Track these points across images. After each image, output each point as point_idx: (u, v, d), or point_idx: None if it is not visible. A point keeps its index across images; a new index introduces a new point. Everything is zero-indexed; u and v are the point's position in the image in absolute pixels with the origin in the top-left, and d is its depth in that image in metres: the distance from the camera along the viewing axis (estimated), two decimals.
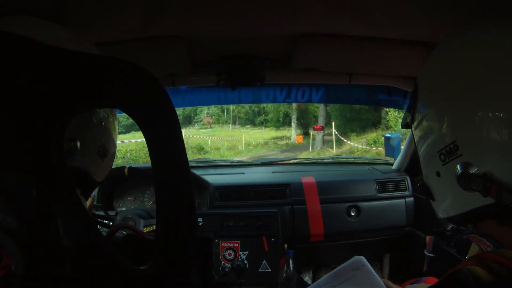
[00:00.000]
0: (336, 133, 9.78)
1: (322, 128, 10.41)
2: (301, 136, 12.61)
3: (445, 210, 0.49)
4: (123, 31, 0.78)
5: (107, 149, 0.55)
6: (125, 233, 0.90)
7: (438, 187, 0.49)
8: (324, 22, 0.79)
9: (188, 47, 0.89)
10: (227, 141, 11.75)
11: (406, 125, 0.57)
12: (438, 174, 0.47)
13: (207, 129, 14.46)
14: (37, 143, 0.33)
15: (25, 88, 0.33)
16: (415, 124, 0.53)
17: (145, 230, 1.01)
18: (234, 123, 15.66)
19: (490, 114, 0.40)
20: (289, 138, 13.37)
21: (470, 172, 0.41)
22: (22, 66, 0.33)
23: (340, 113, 11.76)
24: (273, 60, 1.02)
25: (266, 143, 12.55)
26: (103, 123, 0.54)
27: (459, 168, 0.42)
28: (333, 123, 10.18)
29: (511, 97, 0.39)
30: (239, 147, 11.36)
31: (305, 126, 14.32)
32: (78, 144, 0.47)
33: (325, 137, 10.91)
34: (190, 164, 1.66)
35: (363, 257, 0.86)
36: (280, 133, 14.35)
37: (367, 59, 0.98)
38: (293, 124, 14.03)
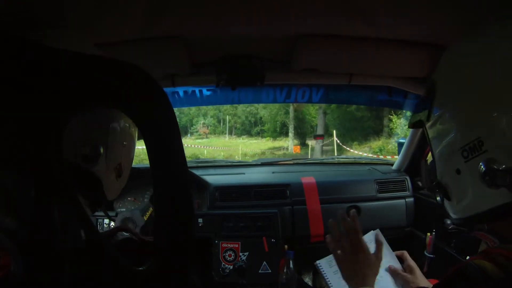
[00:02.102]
0: (338, 141, 9.31)
1: (323, 137, 10.05)
2: (299, 147, 12.40)
3: (462, 210, 0.48)
4: (123, 32, 0.78)
5: (122, 170, 0.56)
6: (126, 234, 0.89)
7: (457, 185, 0.48)
8: (325, 22, 0.79)
9: (188, 47, 0.89)
10: (223, 151, 11.66)
11: (415, 124, 0.56)
12: (458, 172, 0.46)
13: (203, 139, 14.39)
14: (36, 143, 0.33)
15: (24, 89, 0.33)
16: (430, 123, 0.52)
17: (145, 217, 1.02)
18: (230, 133, 15.56)
19: None
20: (286, 149, 13.11)
21: (496, 168, 0.40)
22: (21, 67, 0.33)
23: (340, 122, 11.52)
24: (273, 61, 1.01)
25: (263, 153, 12.39)
26: (125, 143, 0.55)
27: (483, 165, 0.41)
28: (334, 132, 9.57)
29: None
30: (236, 157, 11.09)
31: (302, 136, 14.09)
32: (102, 150, 0.47)
33: (324, 147, 10.70)
34: (190, 165, 1.66)
35: (373, 232, 0.93)
36: (277, 143, 14.14)
37: (367, 59, 0.98)
38: (290, 134, 13.79)
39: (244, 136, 15.39)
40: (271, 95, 1.27)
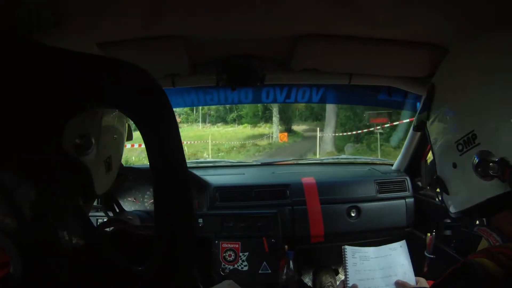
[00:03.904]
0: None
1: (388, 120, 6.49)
2: (286, 134, 10.40)
3: (460, 203, 0.50)
4: (124, 32, 0.78)
5: (112, 164, 0.56)
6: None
7: (454, 179, 0.50)
8: (325, 22, 0.79)
9: (188, 47, 0.89)
10: (187, 145, 8.37)
11: (419, 126, 0.58)
12: (454, 166, 0.49)
13: None
14: (36, 143, 0.33)
15: (23, 89, 0.33)
16: (430, 121, 0.55)
17: None
18: (204, 121, 13.84)
19: (507, 102, 0.42)
20: (270, 136, 10.86)
21: (488, 159, 0.43)
22: (20, 66, 0.33)
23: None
24: (273, 61, 1.02)
25: (242, 146, 9.68)
26: (115, 136, 0.56)
27: (476, 157, 0.44)
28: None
29: None
30: (204, 154, 8.28)
31: (287, 121, 12.00)
32: (93, 141, 0.47)
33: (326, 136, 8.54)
34: (190, 165, 1.66)
35: (404, 241, 0.98)
36: (257, 130, 11.97)
37: (367, 60, 0.98)
38: (275, 119, 11.37)
39: (219, 124, 13.39)
40: (271, 95, 1.27)
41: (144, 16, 0.70)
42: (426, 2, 0.65)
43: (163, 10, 0.69)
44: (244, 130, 12.47)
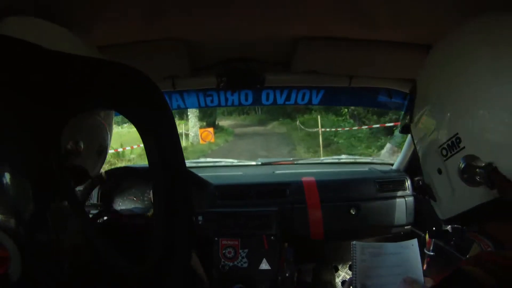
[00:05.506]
0: None
1: None
2: (211, 130, 6.74)
3: (447, 210, 0.48)
4: (124, 34, 0.79)
5: (103, 147, 0.57)
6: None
7: (440, 185, 0.47)
8: (324, 25, 0.79)
9: (188, 50, 0.89)
10: None
11: (405, 128, 0.55)
12: (439, 171, 0.46)
13: None
14: (35, 144, 0.34)
15: (24, 91, 0.34)
16: (414, 123, 0.52)
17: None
18: None
19: (492, 104, 0.39)
20: (184, 136, 6.95)
21: (474, 164, 0.40)
22: (20, 69, 0.34)
23: None
24: (273, 63, 1.02)
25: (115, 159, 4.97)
26: (103, 122, 0.56)
27: (462, 162, 0.41)
28: None
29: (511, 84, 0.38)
30: None
31: (209, 113, 7.73)
32: (82, 145, 0.49)
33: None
34: (190, 165, 1.67)
35: (416, 239, 0.96)
36: None
37: (367, 61, 0.98)
38: (193, 110, 6.92)
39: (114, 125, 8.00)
40: (271, 97, 1.27)
41: (145, 19, 0.71)
42: (424, 3, 0.65)
43: (163, 12, 0.69)
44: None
